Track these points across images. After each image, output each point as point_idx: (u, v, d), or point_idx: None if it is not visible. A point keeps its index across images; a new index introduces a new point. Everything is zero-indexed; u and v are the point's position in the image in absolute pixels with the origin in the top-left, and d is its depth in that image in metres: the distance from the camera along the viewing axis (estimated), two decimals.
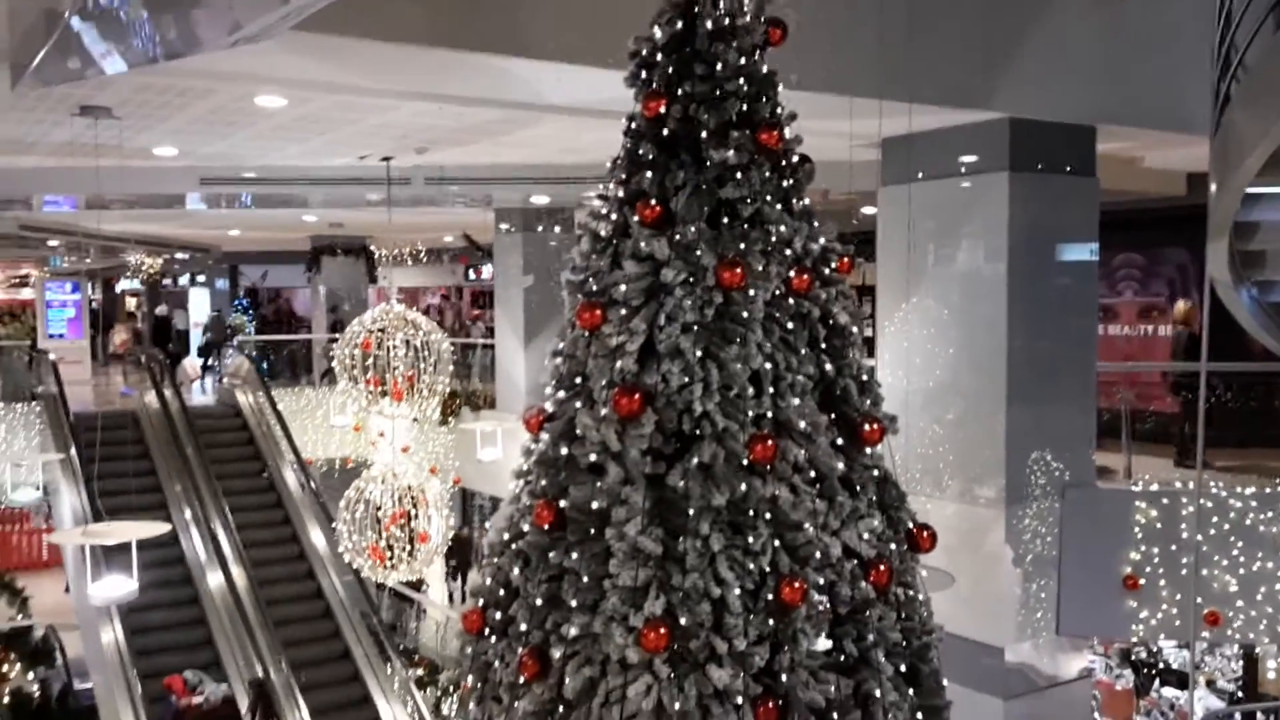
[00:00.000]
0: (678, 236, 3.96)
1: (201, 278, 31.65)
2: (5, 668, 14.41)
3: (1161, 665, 12.79)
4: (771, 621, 3.75)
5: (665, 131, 4.08)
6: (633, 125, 4.16)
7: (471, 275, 28.98)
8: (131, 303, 34.87)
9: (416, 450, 13.34)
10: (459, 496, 18.51)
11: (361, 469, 12.15)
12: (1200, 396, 7.69)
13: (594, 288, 4.04)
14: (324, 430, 16.93)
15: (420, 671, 13.59)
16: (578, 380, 4.10)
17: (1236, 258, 6.86)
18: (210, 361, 22.33)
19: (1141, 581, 8.48)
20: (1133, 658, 13.08)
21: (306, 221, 20.27)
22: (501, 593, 4.19)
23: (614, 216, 4.15)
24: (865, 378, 4.26)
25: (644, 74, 4.16)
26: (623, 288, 3.94)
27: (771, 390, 3.95)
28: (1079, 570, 8.63)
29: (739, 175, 3.99)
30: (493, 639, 4.19)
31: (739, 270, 3.87)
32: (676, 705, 3.59)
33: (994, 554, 8.53)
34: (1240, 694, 11.77)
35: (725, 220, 4.01)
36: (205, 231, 23.52)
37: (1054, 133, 8.60)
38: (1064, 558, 8.65)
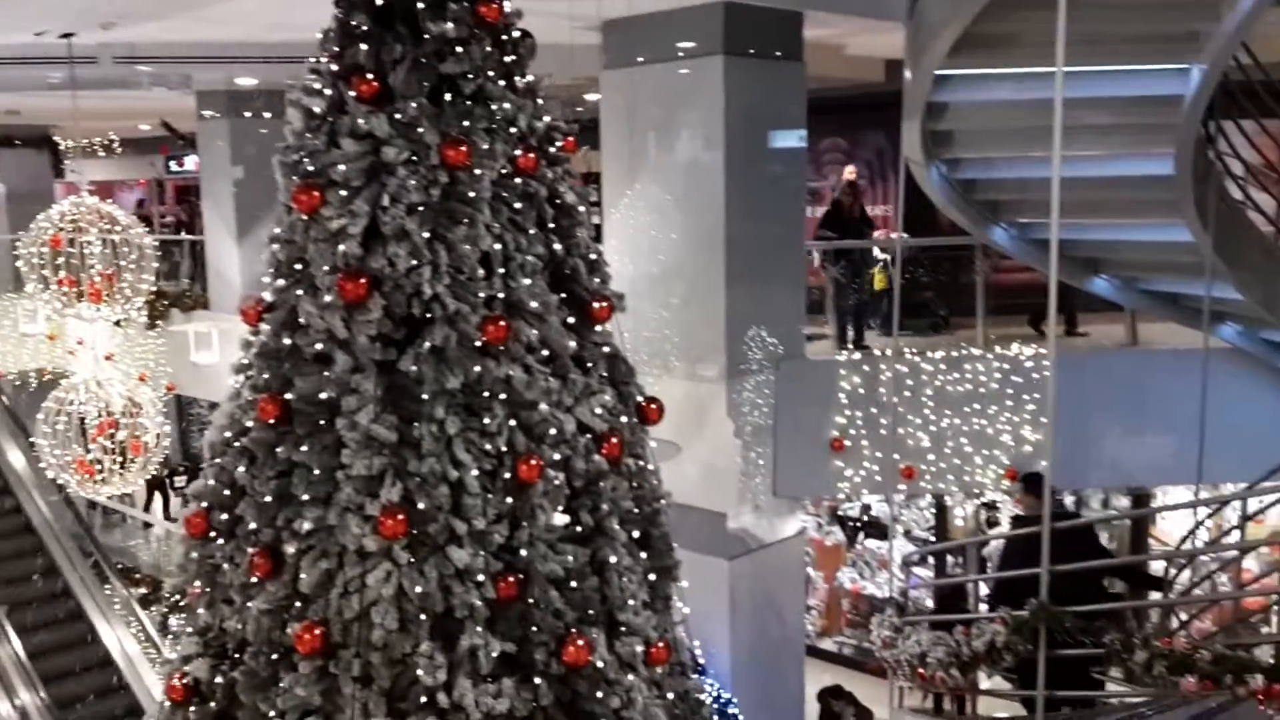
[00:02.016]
0: (398, 114, 3.82)
1: None
2: None
3: (865, 519, 14.03)
4: (510, 499, 3.82)
5: (379, 2, 3.89)
6: None
7: (174, 166, 26.86)
8: None
9: (122, 357, 12.45)
10: (174, 404, 17.45)
11: (61, 380, 11.20)
12: (896, 271, 8.27)
13: (310, 168, 3.84)
14: (14, 340, 15.44)
15: (143, 590, 12.91)
16: (298, 267, 3.92)
17: (928, 138, 7.40)
18: None
19: (847, 443, 9.22)
20: (840, 514, 14.27)
21: None
22: (226, 493, 4.02)
23: (328, 92, 3.94)
24: (594, 257, 4.31)
25: None
26: (341, 168, 3.77)
27: (502, 271, 3.94)
28: (792, 437, 9.26)
29: (459, 50, 3.88)
30: (219, 541, 4.02)
31: (464, 149, 3.79)
32: (418, 589, 3.61)
33: (716, 426, 8.99)
34: (933, 539, 13.12)
35: (447, 97, 3.90)
36: None
37: (765, 18, 8.86)
38: (778, 426, 9.24)
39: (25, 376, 15.43)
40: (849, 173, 12.40)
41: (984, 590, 8.53)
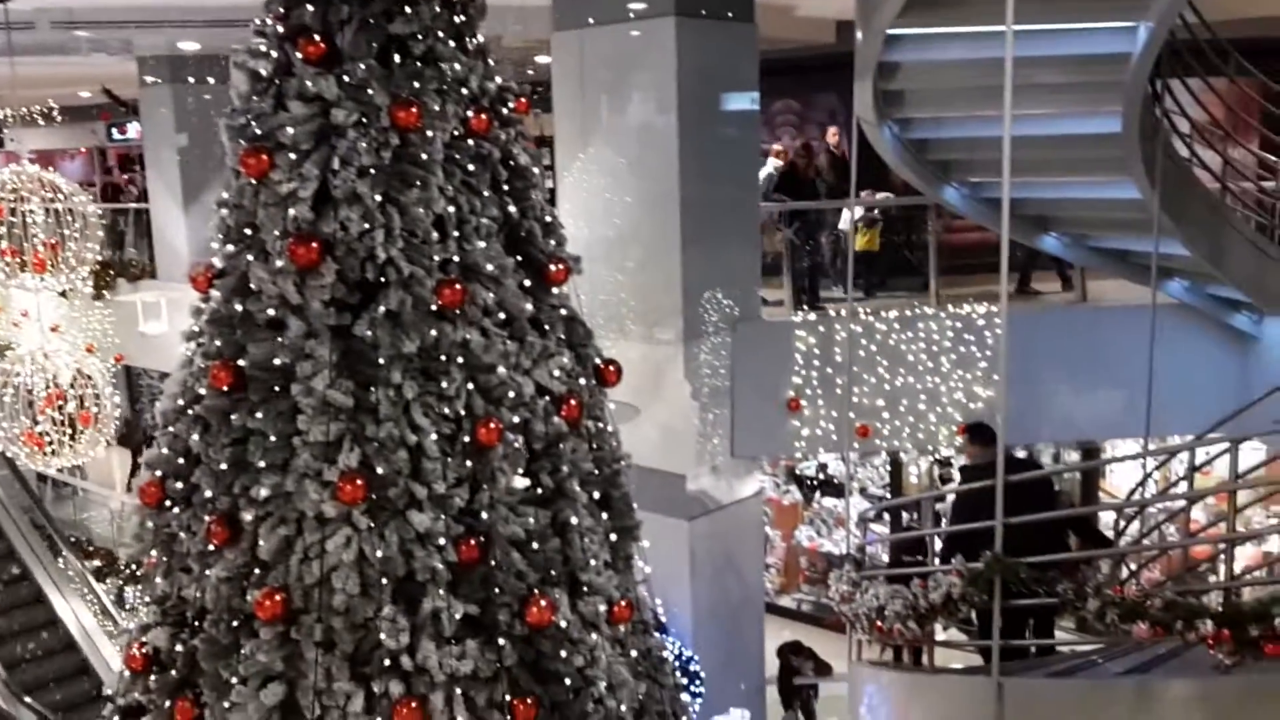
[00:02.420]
0: (346, 75, 3.75)
1: None
2: None
3: (821, 478, 14.19)
4: (470, 463, 3.81)
5: None
6: None
7: (116, 134, 26.27)
8: None
9: (69, 328, 12.24)
10: (123, 376, 17.19)
11: (5, 351, 10.97)
12: (850, 231, 8.29)
13: (258, 131, 3.77)
14: None
15: (98, 562, 12.78)
16: (247, 232, 3.86)
17: (880, 98, 7.41)
18: None
19: (803, 403, 9.30)
20: (797, 473, 14.42)
21: None
22: (181, 461, 3.97)
23: (274, 55, 3.87)
24: (549, 219, 4.29)
25: None
26: (290, 130, 3.70)
27: (456, 234, 3.91)
28: (749, 397, 9.31)
29: (408, 10, 3.82)
30: (175, 509, 3.98)
31: (414, 110, 3.74)
32: (379, 554, 3.60)
33: (674, 389, 9.02)
34: (888, 496, 13.31)
35: (396, 58, 3.84)
36: None
37: None
38: (735, 387, 9.29)
39: None
40: (832, 134, 12.42)
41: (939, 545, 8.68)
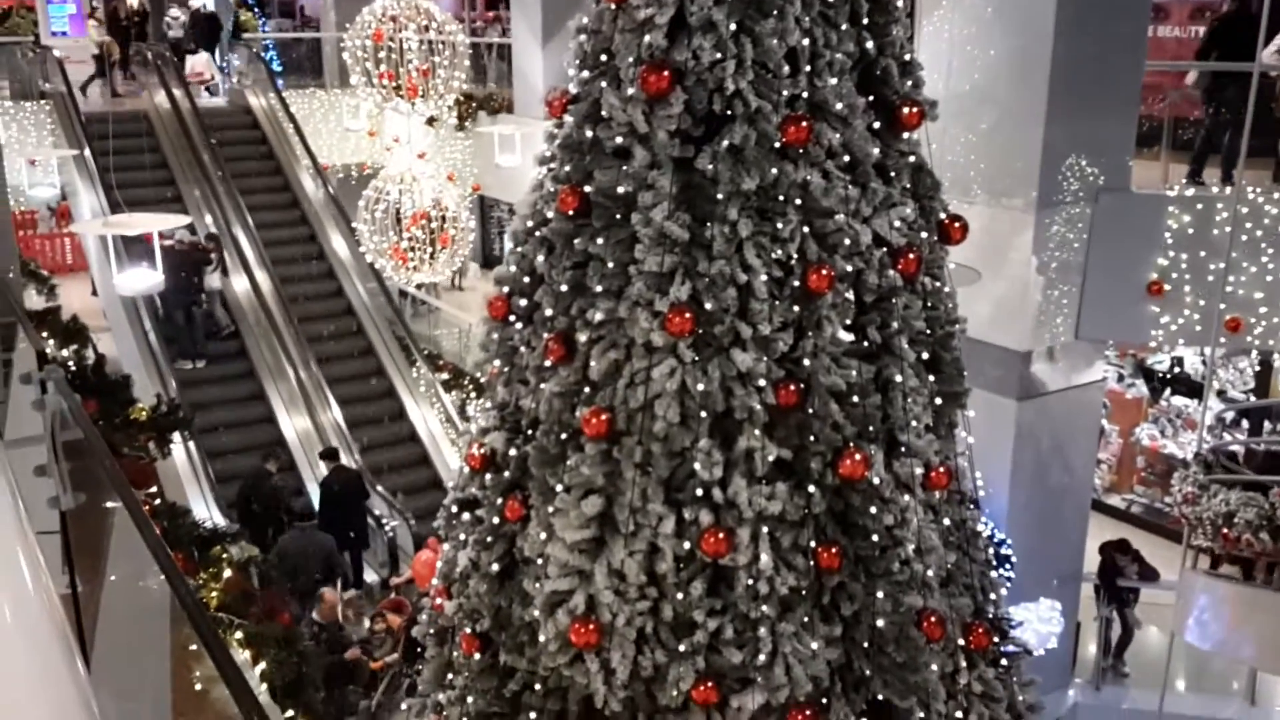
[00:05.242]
0: None
1: None
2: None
3: (1175, 374, 13.02)
4: (797, 308, 3.73)
5: None
6: None
7: None
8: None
9: (433, 157, 13.14)
10: (478, 205, 18.40)
11: (379, 173, 11.99)
12: (1250, 97, 7.28)
13: None
14: (339, 135, 16.63)
15: (445, 375, 13.98)
16: (603, 58, 3.89)
17: None
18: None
19: (1167, 287, 8.44)
20: (1146, 365, 13.31)
21: None
22: (526, 280, 4.17)
23: None
24: (907, 58, 4.02)
25: None
26: None
27: (808, 69, 3.74)
28: (1105, 275, 8.57)
29: None
30: (518, 325, 4.20)
31: None
32: (700, 386, 3.64)
33: (1018, 260, 8.46)
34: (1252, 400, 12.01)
35: None
36: None
37: None
38: (1090, 263, 8.57)
39: (348, 170, 16.67)
40: None
41: None
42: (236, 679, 1.75)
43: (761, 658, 3.61)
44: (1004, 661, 4.44)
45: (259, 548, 8.91)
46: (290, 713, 5.99)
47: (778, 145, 3.67)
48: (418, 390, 13.93)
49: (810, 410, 3.73)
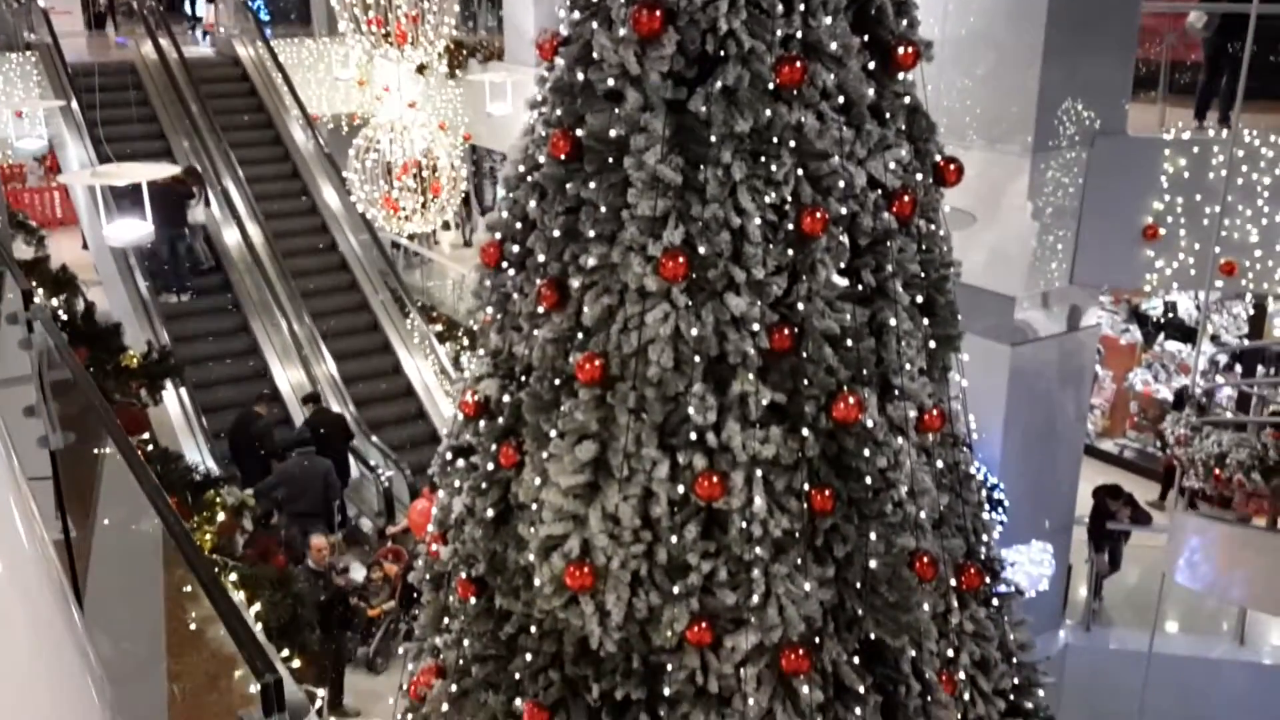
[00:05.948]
0: None
1: None
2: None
3: (1168, 318, 13.01)
4: (791, 252, 3.71)
5: None
6: None
7: None
8: None
9: (424, 105, 12.99)
10: (468, 154, 18.24)
11: (369, 122, 11.86)
12: (1247, 40, 7.21)
13: None
14: (328, 84, 16.44)
15: (439, 327, 13.96)
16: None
17: None
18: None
19: (1162, 231, 8.41)
20: (1140, 311, 13.30)
21: None
22: (518, 225, 4.14)
23: None
24: None
25: None
26: None
27: (802, 8, 3.69)
28: (1099, 220, 8.53)
29: None
30: (510, 271, 4.18)
31: None
32: (693, 331, 3.63)
33: (1013, 205, 8.42)
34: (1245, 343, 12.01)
35: None
36: None
37: None
38: (1086, 207, 8.54)
39: (337, 120, 16.51)
40: None
41: None
42: (235, 618, 1.75)
43: (755, 599, 3.63)
44: (995, 602, 4.48)
45: (250, 487, 9.07)
46: (285, 653, 6.05)
47: (771, 86, 3.63)
48: (411, 341, 13.91)
49: (804, 354, 3.72)
